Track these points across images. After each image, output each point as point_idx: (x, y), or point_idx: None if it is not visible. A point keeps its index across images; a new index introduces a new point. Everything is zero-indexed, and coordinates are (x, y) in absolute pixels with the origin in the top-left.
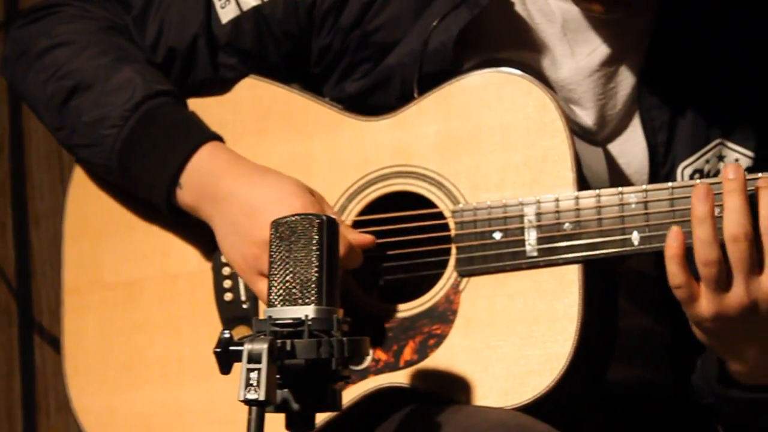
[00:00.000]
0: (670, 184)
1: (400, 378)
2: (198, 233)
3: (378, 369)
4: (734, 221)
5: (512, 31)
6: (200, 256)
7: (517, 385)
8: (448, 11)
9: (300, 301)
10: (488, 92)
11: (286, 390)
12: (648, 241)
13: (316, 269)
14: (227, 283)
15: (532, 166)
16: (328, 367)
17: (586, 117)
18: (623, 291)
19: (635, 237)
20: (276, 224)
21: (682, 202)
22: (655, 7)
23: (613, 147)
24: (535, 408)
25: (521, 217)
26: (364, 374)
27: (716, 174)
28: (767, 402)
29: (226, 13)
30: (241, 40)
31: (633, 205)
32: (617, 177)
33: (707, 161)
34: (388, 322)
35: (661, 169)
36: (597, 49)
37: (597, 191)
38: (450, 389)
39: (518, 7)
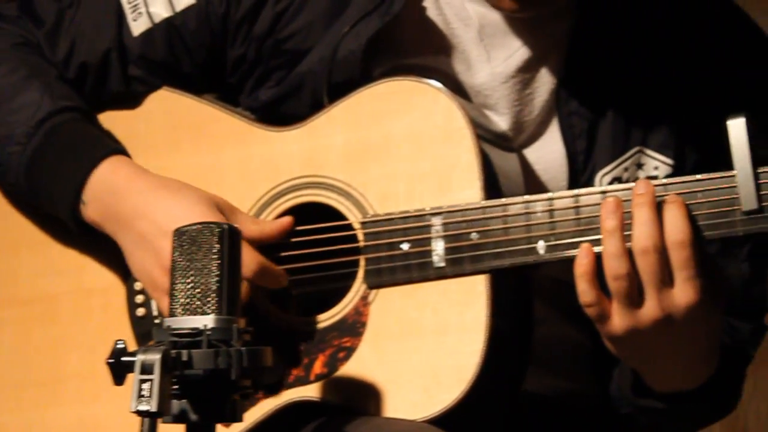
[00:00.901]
0: (575, 191)
1: (311, 392)
2: (113, 248)
3: (289, 383)
4: (643, 234)
5: (427, 36)
6: (114, 271)
7: (427, 397)
8: (359, 18)
9: (200, 310)
10: (397, 101)
11: (184, 400)
12: (554, 250)
13: (216, 278)
14: (139, 298)
15: (440, 175)
16: (227, 378)
17: (502, 123)
18: (544, 298)
19: (541, 246)
20: (178, 233)
21: (588, 210)
22: (573, 12)
23: (530, 153)
24: (446, 420)
25: (428, 227)
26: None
27: (634, 181)
28: (683, 410)
29: (138, 26)
30: (154, 52)
31: (539, 214)
32: (534, 184)
33: (626, 169)
34: (300, 336)
35: (580, 177)
36: (514, 55)
37: (503, 200)
38: (360, 402)
39: (432, 12)
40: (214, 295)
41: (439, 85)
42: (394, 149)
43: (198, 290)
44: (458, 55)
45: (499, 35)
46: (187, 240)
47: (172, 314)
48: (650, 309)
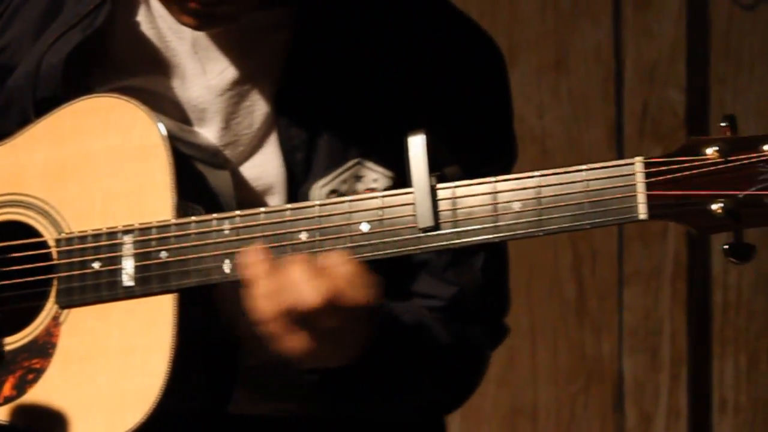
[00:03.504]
0: (261, 209)
1: (0, 415)
2: None
3: None
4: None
5: (140, 50)
6: None
7: (114, 420)
8: (63, 32)
9: None
10: (96, 118)
11: None
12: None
13: None
14: None
15: (135, 193)
16: None
17: (218, 137)
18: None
19: (227, 265)
20: None
21: (272, 228)
22: (291, 25)
23: (250, 167)
24: None
25: (119, 245)
26: None
27: (354, 193)
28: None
29: None
30: None
31: (226, 231)
32: (251, 199)
33: (344, 181)
34: None
35: (299, 189)
36: (229, 68)
37: (194, 218)
38: (49, 425)
39: (146, 27)
40: None
41: (137, 102)
42: (93, 167)
43: None
44: (173, 68)
45: (212, 48)
46: None
47: None
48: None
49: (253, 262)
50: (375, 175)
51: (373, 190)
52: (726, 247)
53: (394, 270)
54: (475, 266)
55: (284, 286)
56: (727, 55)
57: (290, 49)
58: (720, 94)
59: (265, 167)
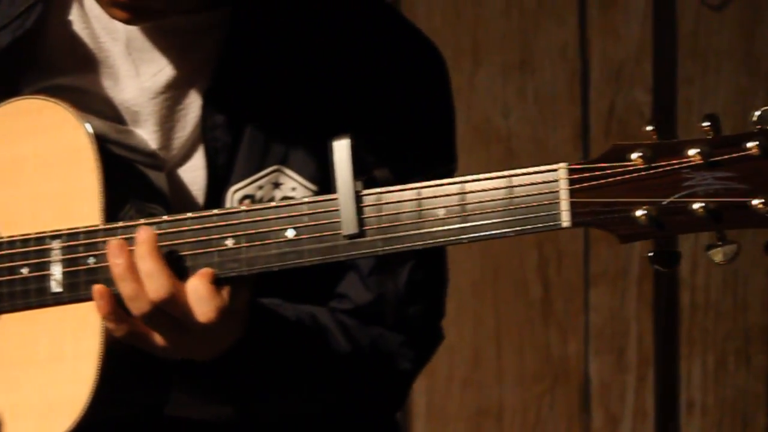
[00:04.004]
0: (188, 214)
1: None
2: None
3: None
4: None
5: (73, 50)
6: None
7: (42, 428)
8: None
9: None
10: (25, 120)
11: None
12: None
13: None
14: None
15: (64, 196)
16: None
17: (152, 140)
18: None
19: None
20: None
21: (197, 234)
22: (224, 28)
23: (184, 172)
24: None
25: (48, 251)
26: None
27: (270, 200)
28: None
29: None
30: None
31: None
32: (186, 203)
33: (260, 187)
34: None
35: (220, 194)
36: (163, 70)
37: (120, 223)
38: None
39: (79, 27)
40: None
41: (65, 104)
42: (22, 171)
43: None
44: (107, 70)
45: (146, 49)
46: None
47: None
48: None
49: (112, 257)
50: (294, 183)
51: (290, 198)
52: (651, 254)
53: (326, 268)
54: (400, 275)
55: (139, 281)
56: (694, 56)
57: (222, 53)
58: (687, 95)
59: (198, 172)
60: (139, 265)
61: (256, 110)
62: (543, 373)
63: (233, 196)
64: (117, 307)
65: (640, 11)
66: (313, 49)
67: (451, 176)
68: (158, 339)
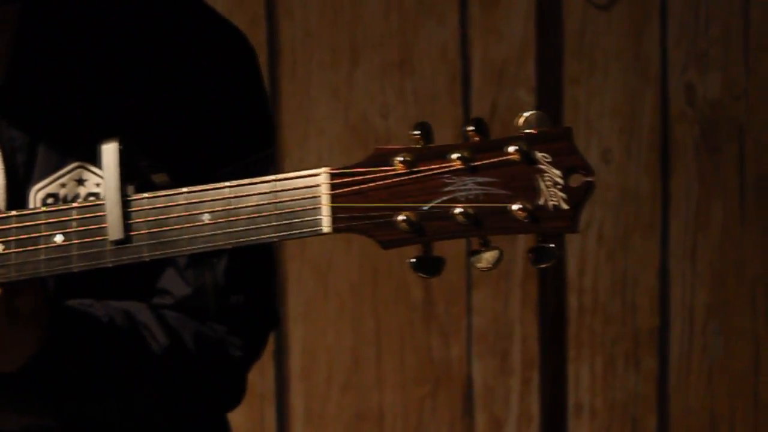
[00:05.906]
0: None
1: None
2: None
3: None
4: None
5: None
6: None
7: None
8: None
9: None
10: None
11: None
12: None
13: None
14: None
15: None
16: None
17: None
18: None
19: None
20: None
21: None
22: (12, 26)
23: None
24: None
25: None
26: None
27: (74, 198)
28: None
29: None
30: None
31: None
32: None
33: (63, 185)
34: None
35: (25, 193)
36: None
37: None
38: None
39: None
40: None
41: None
42: None
43: None
44: None
45: None
46: None
47: None
48: None
49: None
50: (98, 179)
51: (95, 195)
52: (413, 260)
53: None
54: (217, 266)
55: None
56: (580, 55)
57: (13, 47)
58: (574, 95)
59: None
60: None
61: (52, 107)
62: (425, 376)
63: (36, 195)
64: None
65: (523, 11)
66: (109, 43)
67: (267, 162)
68: None
